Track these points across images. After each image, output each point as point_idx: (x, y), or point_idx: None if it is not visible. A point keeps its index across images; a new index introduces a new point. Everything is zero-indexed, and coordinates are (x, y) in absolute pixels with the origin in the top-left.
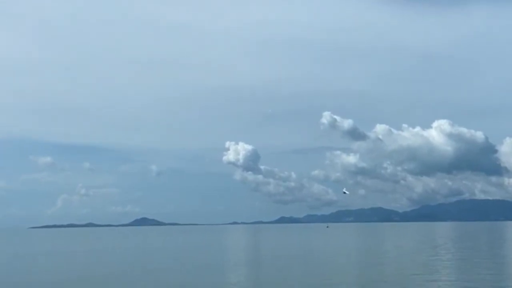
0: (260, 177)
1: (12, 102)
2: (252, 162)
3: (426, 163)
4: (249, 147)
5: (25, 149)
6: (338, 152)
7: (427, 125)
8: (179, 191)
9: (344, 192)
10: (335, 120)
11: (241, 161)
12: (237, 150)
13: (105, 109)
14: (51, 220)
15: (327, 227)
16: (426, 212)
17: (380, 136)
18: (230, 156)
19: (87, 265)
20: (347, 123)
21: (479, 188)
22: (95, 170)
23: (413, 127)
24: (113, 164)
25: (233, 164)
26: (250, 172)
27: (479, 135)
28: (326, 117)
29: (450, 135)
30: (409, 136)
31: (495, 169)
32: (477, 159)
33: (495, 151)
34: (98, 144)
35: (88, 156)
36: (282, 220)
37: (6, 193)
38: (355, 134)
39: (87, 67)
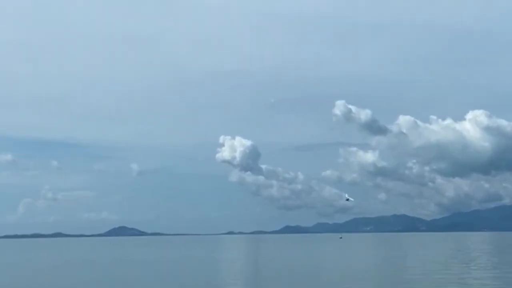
0: (260, 178)
1: None
2: (251, 161)
3: (459, 162)
4: (247, 143)
5: None
6: (354, 148)
7: (460, 117)
8: (165, 196)
9: (347, 199)
10: (350, 110)
11: (238, 159)
12: (233, 146)
13: (77, 98)
14: (12, 229)
15: (341, 238)
16: (459, 220)
17: (404, 130)
18: (225, 153)
19: (54, 282)
20: (364, 114)
21: None
22: (65, 169)
23: (443, 119)
24: (86, 163)
25: (229, 162)
26: (248, 173)
27: None
28: (339, 107)
29: (487, 129)
30: (439, 129)
31: None
32: None
33: None
34: (68, 138)
35: (56, 153)
36: (287, 230)
37: None
38: (374, 128)
39: (53, 48)
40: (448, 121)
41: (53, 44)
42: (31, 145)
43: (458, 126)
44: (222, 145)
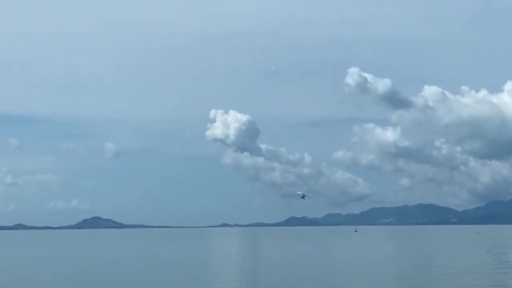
0: (260, 160)
1: None
2: (248, 139)
3: (496, 142)
4: (243, 118)
5: None
6: (371, 125)
7: (496, 88)
8: (146, 181)
9: (302, 197)
10: (365, 79)
11: (232, 137)
12: (226, 122)
13: (40, 63)
14: None
15: (355, 231)
16: (495, 210)
17: (430, 103)
18: (216, 130)
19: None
20: (382, 84)
21: None
22: (26, 149)
23: (477, 91)
24: (51, 141)
25: (221, 141)
26: (245, 153)
27: None
28: (352, 75)
29: None
30: (472, 103)
31: None
32: None
33: None
34: (30, 112)
35: (16, 129)
36: (291, 222)
37: None
38: (394, 100)
39: (19, 7)
40: (483, 92)
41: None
42: None
43: (495, 98)
44: (213, 120)
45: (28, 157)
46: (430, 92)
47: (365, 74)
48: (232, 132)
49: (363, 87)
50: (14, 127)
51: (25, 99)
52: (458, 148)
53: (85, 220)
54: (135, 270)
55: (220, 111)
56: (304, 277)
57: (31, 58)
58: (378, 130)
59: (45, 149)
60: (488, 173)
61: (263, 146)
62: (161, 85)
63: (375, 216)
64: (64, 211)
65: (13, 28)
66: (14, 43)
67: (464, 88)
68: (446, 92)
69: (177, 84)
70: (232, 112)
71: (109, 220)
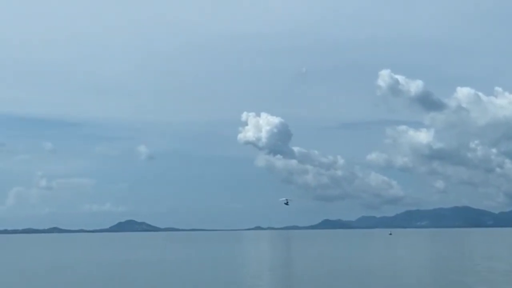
0: (293, 162)
1: None
2: (280, 142)
3: None
4: (275, 120)
5: None
6: (404, 127)
7: None
8: (179, 184)
9: (286, 203)
10: (397, 81)
11: (264, 140)
12: (258, 125)
13: (75, 67)
14: (1, 223)
15: (390, 234)
16: None
17: (464, 105)
18: (248, 133)
19: None
20: (415, 86)
21: None
22: (60, 152)
23: (511, 92)
24: (85, 145)
25: (253, 144)
26: (278, 156)
27: None
28: (384, 77)
29: None
30: (506, 104)
31: None
32: None
33: None
34: (64, 116)
35: (50, 133)
36: (325, 225)
37: None
38: (427, 102)
39: (46, 9)
40: None
41: (47, 5)
42: (20, 124)
43: None
44: (245, 123)
45: (62, 160)
46: (463, 93)
47: (397, 76)
48: (264, 135)
49: (395, 89)
50: (48, 131)
51: (59, 103)
52: (494, 150)
53: (120, 223)
54: (169, 273)
55: (252, 114)
56: (340, 282)
57: (65, 63)
58: (412, 132)
59: (79, 153)
60: None
61: (295, 149)
62: (193, 88)
63: (409, 219)
64: (98, 214)
65: (45, 32)
66: (48, 47)
67: (498, 89)
68: (480, 93)
69: (209, 86)
70: (264, 115)
71: (143, 223)
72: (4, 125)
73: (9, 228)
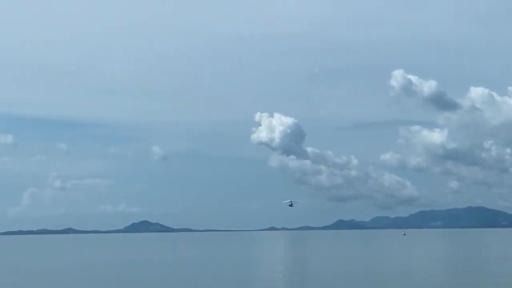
0: (306, 163)
1: None
2: (294, 143)
3: None
4: (289, 121)
5: None
6: (417, 127)
7: None
8: (193, 184)
9: (290, 205)
10: (410, 81)
11: (277, 140)
12: (271, 125)
13: (89, 69)
14: (15, 224)
15: (404, 234)
16: None
17: (478, 105)
18: (261, 133)
19: None
20: (428, 86)
21: None
22: (75, 153)
23: None
24: (99, 145)
25: (266, 145)
26: (292, 156)
27: None
28: (397, 77)
29: None
30: None
31: None
32: None
33: None
34: (78, 117)
35: (65, 134)
36: (339, 225)
37: None
38: (440, 102)
39: (60, 10)
40: None
41: (58, 7)
42: (35, 125)
43: None
44: (259, 123)
45: (77, 161)
46: (476, 93)
47: (410, 76)
48: (277, 135)
49: (408, 89)
50: (62, 132)
51: (73, 104)
52: (508, 150)
53: (134, 224)
54: (183, 273)
55: (265, 114)
56: (355, 283)
57: (78, 64)
58: (425, 132)
59: (93, 154)
60: None
61: (309, 149)
62: (206, 89)
63: (423, 219)
64: (112, 215)
65: (60, 33)
66: (62, 48)
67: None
68: (494, 93)
69: (222, 87)
70: (277, 115)
71: (157, 224)
72: (19, 126)
73: (24, 229)
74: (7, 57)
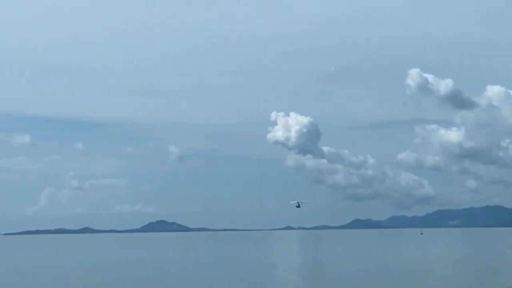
0: (323, 162)
1: None
2: (310, 142)
3: None
4: (305, 120)
5: None
6: (434, 126)
7: None
8: (210, 184)
9: (298, 206)
10: (426, 80)
11: (293, 139)
12: (287, 125)
13: (105, 69)
14: (32, 224)
15: (421, 234)
16: None
17: (495, 103)
18: (277, 132)
19: None
20: (444, 85)
21: None
22: (92, 153)
23: None
24: (116, 145)
25: (282, 144)
26: (308, 156)
27: None
28: (413, 76)
29: None
30: None
31: None
32: None
33: None
34: (95, 117)
35: (82, 134)
36: (356, 224)
37: None
38: (457, 101)
39: (76, 11)
40: None
41: (74, 7)
42: (52, 125)
43: None
44: (275, 123)
45: (93, 161)
46: (493, 92)
47: (426, 75)
48: (293, 135)
49: (424, 87)
50: (79, 132)
51: (90, 104)
52: None
53: (150, 223)
54: (201, 272)
55: (281, 114)
56: (373, 283)
57: (95, 64)
58: (442, 131)
59: (109, 153)
60: None
61: (325, 148)
62: (222, 89)
63: (441, 219)
64: (129, 215)
65: (75, 33)
66: (80, 48)
67: None
68: (510, 92)
69: (238, 87)
70: (293, 115)
71: (174, 223)
72: (36, 126)
73: (41, 229)
74: (26, 59)
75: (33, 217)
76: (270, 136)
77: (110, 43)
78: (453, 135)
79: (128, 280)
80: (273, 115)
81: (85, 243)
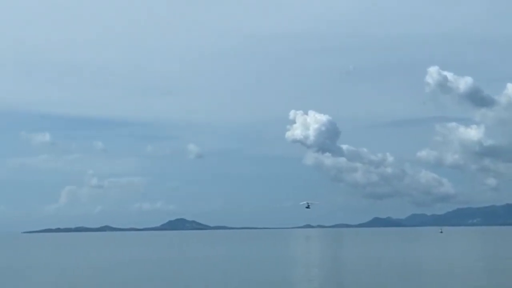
0: (342, 160)
1: None
2: (329, 140)
3: None
4: (323, 118)
5: (13, 123)
6: (454, 124)
7: None
8: (229, 182)
9: (307, 207)
10: (446, 78)
11: (312, 138)
12: (306, 123)
13: (124, 68)
14: (53, 222)
15: (441, 232)
16: None
17: None
18: (296, 131)
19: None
20: (464, 83)
21: None
22: (111, 152)
23: None
24: (136, 144)
25: (301, 142)
26: (327, 154)
27: None
28: (432, 74)
29: None
30: None
31: None
32: None
33: None
34: (115, 116)
35: (101, 132)
36: (375, 223)
37: None
38: (476, 98)
39: (95, 10)
40: None
41: (94, 5)
42: (72, 124)
43: None
44: (293, 121)
45: (113, 159)
46: None
47: (445, 73)
48: (312, 133)
49: (444, 85)
50: (98, 131)
51: (109, 103)
52: None
53: (170, 221)
54: (221, 270)
55: (300, 112)
56: (393, 281)
57: (115, 63)
58: (462, 129)
59: (129, 152)
60: None
61: (344, 147)
62: (241, 87)
63: (461, 217)
64: (149, 213)
65: (96, 32)
66: (99, 48)
67: None
68: None
69: (256, 85)
70: (311, 113)
71: (193, 221)
72: (56, 125)
73: (62, 227)
74: (45, 58)
75: (53, 215)
76: (288, 134)
77: (131, 42)
78: (473, 133)
79: (147, 278)
80: (292, 113)
81: (105, 241)
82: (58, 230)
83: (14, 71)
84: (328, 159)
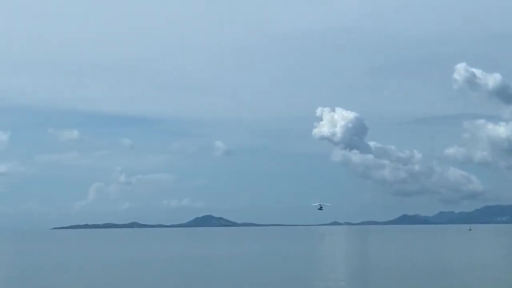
0: (369, 157)
1: (25, 58)
2: (356, 137)
3: None
4: (351, 115)
5: (42, 120)
6: (482, 121)
7: None
8: (256, 179)
9: (320, 209)
10: (474, 75)
11: (339, 135)
12: (333, 120)
13: (152, 65)
14: (81, 218)
15: (470, 229)
16: None
17: None
18: (323, 128)
19: (127, 284)
20: (492, 80)
21: None
22: (139, 148)
23: None
24: (164, 141)
25: (328, 139)
26: (354, 151)
27: None
28: (460, 71)
29: None
30: None
31: None
32: None
33: None
34: (143, 113)
35: (129, 129)
36: (403, 220)
37: (19, 181)
38: (505, 95)
39: (123, 8)
40: None
41: (125, 3)
42: (100, 121)
43: None
44: (320, 118)
45: (141, 156)
46: None
47: (473, 69)
48: (339, 130)
49: (472, 82)
50: (126, 128)
51: (137, 100)
52: None
53: (197, 218)
54: (251, 267)
55: (327, 109)
56: (422, 279)
57: (143, 60)
58: (490, 126)
59: (157, 149)
60: None
61: (371, 144)
62: (267, 84)
63: (489, 215)
64: (176, 210)
65: (121, 29)
66: (127, 45)
67: None
68: None
69: (283, 82)
70: (339, 110)
71: (221, 218)
72: (84, 122)
73: (90, 223)
74: (74, 55)
75: (81, 211)
76: (316, 131)
77: (159, 39)
78: (502, 130)
79: (176, 275)
80: (319, 110)
81: (133, 238)
82: (86, 226)
83: (43, 69)
84: (355, 156)
